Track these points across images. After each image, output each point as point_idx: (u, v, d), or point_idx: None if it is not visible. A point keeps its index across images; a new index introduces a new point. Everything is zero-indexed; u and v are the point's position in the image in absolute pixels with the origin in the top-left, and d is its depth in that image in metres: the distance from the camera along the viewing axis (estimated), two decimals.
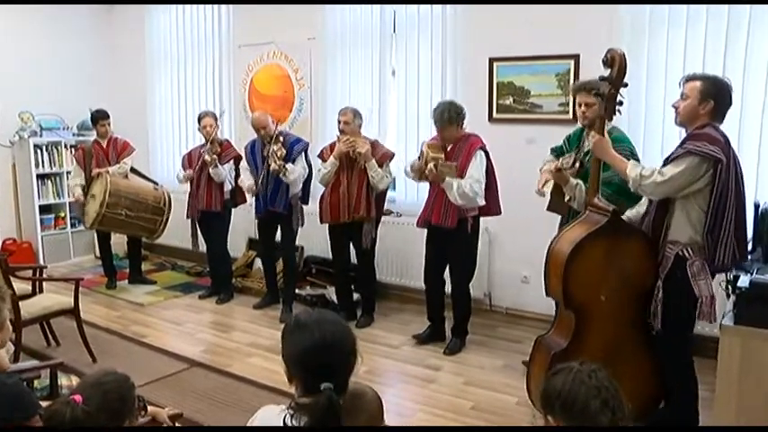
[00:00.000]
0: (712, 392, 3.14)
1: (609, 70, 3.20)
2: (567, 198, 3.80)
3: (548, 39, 4.94)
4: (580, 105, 3.83)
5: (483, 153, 4.52)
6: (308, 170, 5.48)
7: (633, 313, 3.27)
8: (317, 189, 5.52)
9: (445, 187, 4.43)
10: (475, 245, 4.73)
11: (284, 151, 5.33)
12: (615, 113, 3.27)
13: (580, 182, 3.73)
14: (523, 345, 4.74)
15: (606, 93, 3.20)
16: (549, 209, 4.07)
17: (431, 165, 4.38)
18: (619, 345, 3.24)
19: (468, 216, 4.54)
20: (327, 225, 5.29)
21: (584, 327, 3.26)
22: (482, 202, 4.53)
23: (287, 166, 5.27)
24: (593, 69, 4.37)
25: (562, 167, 3.80)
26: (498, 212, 4.70)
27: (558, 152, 4.12)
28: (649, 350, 3.30)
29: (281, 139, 5.42)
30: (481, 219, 4.73)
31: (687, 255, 3.09)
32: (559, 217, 4.08)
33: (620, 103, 3.24)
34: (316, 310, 1.80)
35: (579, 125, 4.01)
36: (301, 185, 5.51)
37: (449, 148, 4.59)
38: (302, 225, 5.62)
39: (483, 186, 4.47)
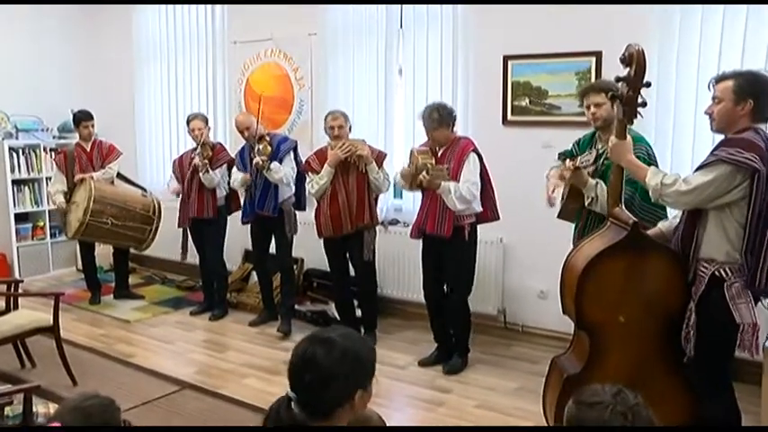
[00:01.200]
0: (758, 423, 3.05)
1: (627, 69, 3.11)
2: (587, 201, 3.75)
3: (567, 34, 4.91)
4: (589, 107, 3.83)
5: (476, 155, 4.53)
6: (296, 170, 5.49)
7: (659, 337, 3.16)
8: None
9: (442, 193, 4.43)
10: (473, 254, 4.72)
11: (270, 149, 5.37)
12: (636, 116, 3.18)
13: (600, 181, 3.69)
14: (540, 365, 4.66)
15: (625, 94, 3.10)
16: (560, 216, 4.05)
17: (423, 173, 4.40)
18: (644, 371, 3.13)
19: (464, 224, 4.54)
20: (322, 238, 5.27)
21: (601, 350, 3.18)
22: (479, 208, 4.55)
23: (272, 164, 5.30)
24: (617, 67, 4.33)
25: (582, 166, 3.73)
26: (496, 218, 4.70)
27: (566, 157, 4.07)
28: (680, 378, 3.18)
29: (268, 138, 5.47)
30: (487, 227, 4.73)
31: (724, 275, 2.95)
32: (572, 226, 4.05)
33: (642, 105, 3.16)
34: (347, 330, 1.85)
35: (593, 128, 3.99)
36: (293, 189, 5.53)
37: (440, 153, 4.59)
38: (296, 232, 5.61)
39: (479, 190, 4.48)
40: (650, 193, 3.09)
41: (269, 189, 5.44)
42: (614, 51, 4.55)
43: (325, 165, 5.08)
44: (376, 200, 5.22)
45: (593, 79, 4.73)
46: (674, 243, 3.16)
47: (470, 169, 4.47)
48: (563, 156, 4.11)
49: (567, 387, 3.16)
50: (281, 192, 5.48)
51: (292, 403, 1.71)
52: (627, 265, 3.09)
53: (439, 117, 4.49)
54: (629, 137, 3.20)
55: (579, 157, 3.86)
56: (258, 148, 5.35)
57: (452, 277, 4.71)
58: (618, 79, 3.13)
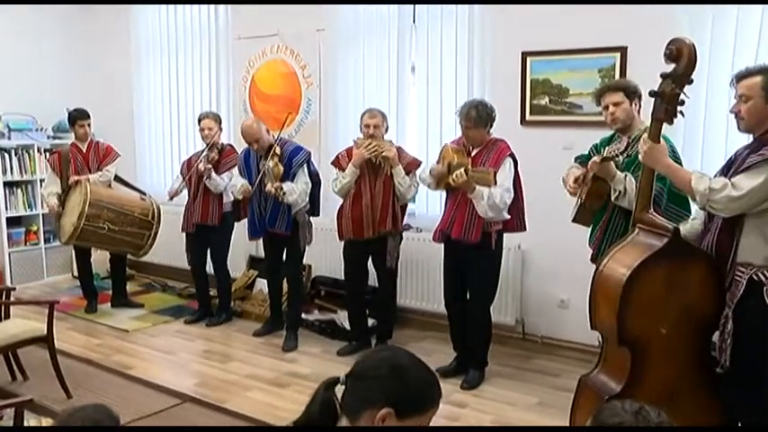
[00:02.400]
0: None
1: (674, 65, 3.08)
2: (613, 195, 3.74)
3: (589, 29, 4.90)
4: (607, 107, 3.82)
5: (512, 161, 4.52)
6: (310, 185, 5.45)
7: (696, 349, 3.14)
8: (332, 200, 5.51)
9: (474, 198, 4.40)
10: (498, 263, 4.72)
11: (281, 169, 5.27)
12: (676, 116, 3.16)
13: (629, 174, 3.68)
14: (562, 379, 4.71)
15: (668, 91, 3.07)
16: (575, 220, 4.05)
17: (459, 171, 4.34)
18: (680, 386, 3.11)
19: (492, 230, 4.53)
20: (344, 240, 5.29)
21: (643, 366, 3.12)
22: (507, 216, 4.54)
23: (284, 187, 5.19)
24: (643, 63, 4.33)
25: (611, 156, 3.71)
26: (522, 228, 4.70)
27: (583, 161, 4.08)
28: (712, 391, 3.15)
29: (278, 152, 5.33)
30: (505, 236, 4.72)
31: (764, 279, 2.95)
32: (588, 230, 4.06)
33: (682, 103, 3.13)
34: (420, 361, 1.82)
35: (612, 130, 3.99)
36: (306, 201, 5.49)
37: (473, 153, 4.58)
38: (310, 242, 5.61)
39: (511, 198, 4.47)
40: (697, 199, 3.06)
41: (280, 207, 5.37)
42: (640, 47, 4.62)
43: (350, 164, 5.08)
44: (404, 207, 5.20)
45: (617, 76, 4.72)
46: (706, 247, 3.14)
47: (506, 175, 4.45)
48: (579, 159, 4.13)
49: None
50: (294, 208, 5.42)
51: (336, 386, 1.72)
52: (667, 273, 3.06)
53: (477, 116, 4.48)
54: (662, 140, 3.19)
55: (608, 148, 3.85)
56: (268, 167, 5.25)
57: (475, 286, 4.70)
58: (664, 76, 3.10)
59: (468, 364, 4.79)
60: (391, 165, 5.00)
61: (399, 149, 5.18)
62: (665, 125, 3.16)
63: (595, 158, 3.78)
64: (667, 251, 3.06)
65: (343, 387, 1.71)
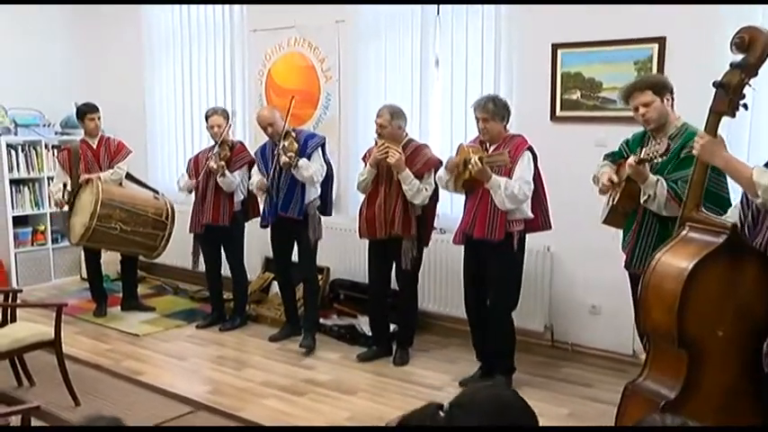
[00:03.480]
0: None
1: (743, 55, 3.00)
2: (643, 198, 3.71)
3: (625, 18, 4.83)
4: (637, 109, 3.78)
5: (531, 154, 4.51)
6: (325, 168, 5.49)
7: (749, 351, 3.10)
8: (351, 199, 5.48)
9: (491, 187, 4.39)
10: (521, 265, 4.69)
11: (296, 145, 5.38)
12: (738, 109, 3.09)
13: (661, 178, 3.66)
14: (594, 389, 4.67)
15: (735, 82, 2.99)
16: (606, 222, 4.02)
17: (474, 158, 4.35)
18: (736, 391, 3.09)
19: (515, 230, 4.51)
20: (367, 241, 5.32)
21: (699, 370, 3.09)
22: (530, 214, 4.52)
23: (300, 160, 5.31)
24: (683, 55, 4.26)
25: (648, 158, 3.64)
26: (547, 227, 4.67)
27: (614, 159, 4.05)
28: (758, 393, 3.11)
29: (293, 134, 5.47)
30: (533, 234, 4.70)
31: None
32: (620, 232, 4.02)
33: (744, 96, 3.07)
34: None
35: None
36: (319, 190, 5.54)
37: (491, 149, 4.55)
38: (320, 237, 5.62)
39: (531, 190, 4.45)
40: (759, 194, 3.00)
41: (295, 190, 5.45)
42: (681, 37, 4.55)
43: (367, 164, 5.15)
44: (425, 210, 5.19)
45: (654, 69, 4.67)
46: (758, 246, 3.09)
47: (524, 167, 4.44)
48: (610, 157, 4.09)
49: None
50: (308, 193, 5.49)
51: (440, 412, 1.70)
52: (724, 271, 3.04)
53: (494, 108, 4.48)
54: (719, 133, 3.13)
55: (645, 149, 3.78)
56: (283, 145, 5.35)
57: (497, 290, 4.67)
58: (732, 65, 3.03)
59: (495, 372, 4.76)
60: (395, 170, 4.98)
61: (421, 148, 5.16)
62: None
63: (632, 160, 3.72)
64: (726, 248, 3.03)
65: (444, 415, 1.69)
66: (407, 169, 4.98)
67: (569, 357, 5.32)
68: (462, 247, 4.80)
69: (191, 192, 6.09)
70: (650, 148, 3.77)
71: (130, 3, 7.62)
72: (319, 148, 5.51)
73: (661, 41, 4.71)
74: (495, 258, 4.55)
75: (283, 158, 5.30)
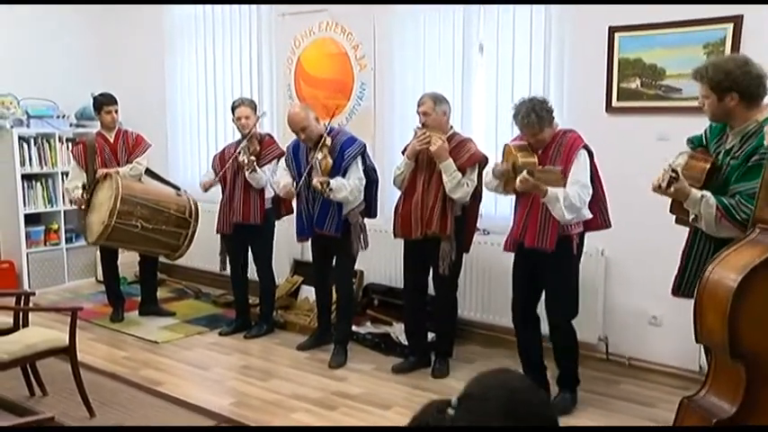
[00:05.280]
0: None
1: None
2: (691, 217, 3.58)
3: None
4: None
5: (586, 152, 4.38)
6: (364, 181, 5.40)
7: None
8: (389, 197, 5.50)
9: (548, 202, 4.26)
10: (578, 268, 4.59)
11: (330, 162, 5.26)
12: None
13: (707, 194, 3.48)
14: (656, 409, 4.58)
15: None
16: (678, 221, 3.85)
17: (523, 175, 4.21)
18: None
19: (572, 233, 4.41)
20: (403, 242, 5.25)
21: (759, 384, 3.03)
22: (588, 215, 4.41)
23: (332, 183, 5.15)
24: (763, 37, 4.09)
25: (674, 178, 3.41)
26: (606, 225, 4.56)
27: (696, 144, 3.86)
28: None
29: (329, 143, 5.32)
30: (587, 236, 4.60)
31: None
32: (686, 231, 3.86)
33: None
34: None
35: None
36: (361, 198, 5.45)
37: (541, 150, 4.45)
38: (365, 248, 5.57)
39: (590, 194, 4.34)
40: None
41: (330, 205, 5.33)
42: (760, 16, 4.39)
43: (405, 155, 5.08)
44: (465, 209, 5.11)
45: (727, 52, 4.52)
46: None
47: (580, 169, 4.31)
48: (693, 143, 3.89)
49: None
50: (346, 205, 5.38)
51: (449, 408, 1.62)
52: None
53: (537, 119, 4.31)
54: None
55: (674, 159, 3.67)
56: (316, 160, 5.23)
57: (556, 298, 4.56)
58: None
59: (557, 386, 4.68)
60: (437, 159, 4.90)
61: (465, 142, 5.08)
62: None
63: (666, 168, 3.52)
64: None
65: (453, 411, 1.61)
66: (450, 159, 4.90)
67: (626, 373, 5.23)
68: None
69: (206, 190, 6.08)
70: (716, 144, 3.62)
71: (153, 3, 7.69)
72: (359, 158, 5.36)
73: (737, 21, 4.56)
74: (551, 265, 4.45)
75: (314, 182, 5.17)
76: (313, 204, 5.40)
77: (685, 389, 4.42)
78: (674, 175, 3.40)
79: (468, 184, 4.95)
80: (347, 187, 5.23)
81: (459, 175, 4.90)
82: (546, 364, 4.75)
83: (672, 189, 3.42)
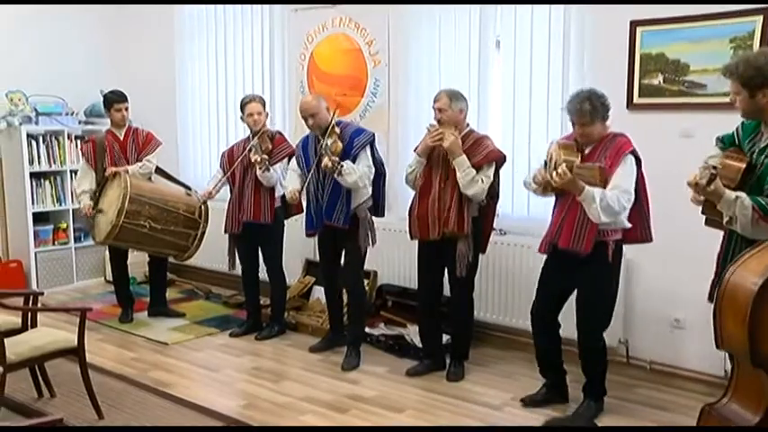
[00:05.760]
0: None
1: None
2: (725, 219, 3.51)
3: None
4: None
5: (634, 158, 4.28)
6: (373, 171, 5.40)
7: None
8: (402, 197, 5.48)
9: (584, 200, 4.18)
10: (615, 279, 4.52)
11: (340, 145, 5.28)
12: None
13: (742, 195, 3.42)
14: (678, 415, 4.53)
15: None
16: (708, 223, 3.79)
17: (562, 167, 4.16)
18: None
19: (609, 240, 4.31)
20: (418, 242, 5.22)
21: None
22: (627, 224, 4.31)
23: (344, 163, 5.19)
24: None
25: (710, 177, 3.37)
26: (647, 239, 4.46)
27: (727, 143, 3.79)
28: None
29: (337, 130, 5.35)
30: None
31: None
32: (721, 233, 3.79)
33: None
34: None
35: None
36: (369, 192, 5.44)
37: (587, 150, 4.36)
38: (372, 244, 5.54)
39: (631, 201, 4.23)
40: None
41: (339, 195, 5.33)
42: None
43: (417, 152, 5.06)
44: (482, 209, 5.07)
45: (756, 46, 4.45)
46: None
47: (625, 174, 4.20)
48: (722, 141, 3.82)
49: None
50: (355, 197, 5.38)
51: None
52: None
53: (592, 109, 4.24)
54: None
55: (708, 159, 3.61)
56: (326, 144, 5.23)
57: (587, 306, 4.47)
58: None
59: (583, 393, 4.61)
60: (450, 155, 4.87)
61: (482, 139, 5.04)
62: None
63: (690, 177, 3.47)
64: None
65: None
66: (464, 155, 4.87)
67: (647, 377, 5.18)
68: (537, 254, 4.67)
69: (211, 196, 6.07)
70: (750, 142, 3.55)
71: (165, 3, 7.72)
72: (367, 147, 5.37)
73: (766, 13, 4.50)
74: (585, 271, 4.37)
75: (325, 161, 5.18)
76: (322, 195, 5.39)
77: (710, 395, 4.37)
78: (714, 171, 3.36)
79: (482, 181, 4.90)
80: (357, 172, 5.24)
81: (474, 171, 4.86)
82: (566, 368, 4.72)
83: (712, 187, 3.36)
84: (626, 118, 5.03)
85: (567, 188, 4.20)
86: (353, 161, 5.29)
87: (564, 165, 4.12)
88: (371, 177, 5.39)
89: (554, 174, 4.18)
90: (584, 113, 4.22)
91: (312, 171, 5.38)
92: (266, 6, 7.02)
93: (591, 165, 4.19)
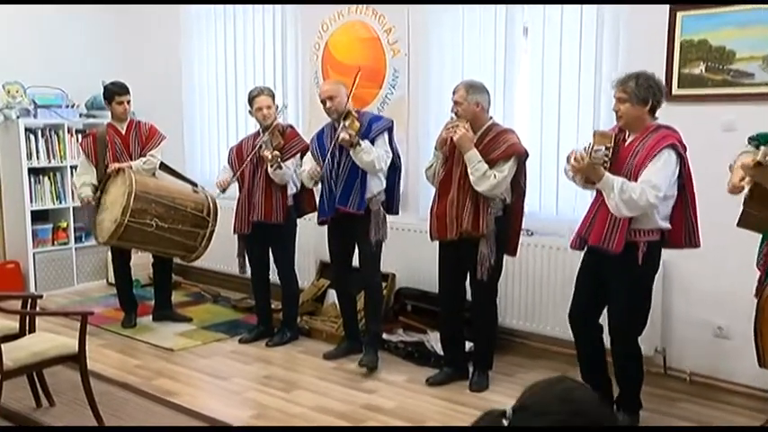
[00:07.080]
0: None
1: None
2: None
3: None
4: None
5: (674, 153, 4.15)
6: (391, 156, 5.44)
7: None
8: (419, 195, 5.49)
9: (602, 188, 4.14)
10: (648, 283, 4.42)
11: (358, 125, 5.35)
12: None
13: None
14: None
15: None
16: (740, 224, 3.78)
17: (579, 152, 4.15)
18: None
19: (640, 240, 4.20)
20: (438, 244, 5.18)
21: None
22: (666, 225, 4.20)
23: (363, 142, 5.27)
24: None
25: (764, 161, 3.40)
26: (693, 244, 4.33)
27: (762, 141, 3.77)
28: None
29: (355, 114, 5.44)
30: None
31: None
32: (759, 238, 3.78)
33: None
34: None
35: None
36: (384, 182, 5.48)
37: (629, 140, 4.27)
38: (384, 238, 5.55)
39: (661, 197, 4.10)
40: None
41: (355, 179, 5.36)
42: None
43: (434, 146, 5.11)
44: (507, 208, 4.99)
45: None
46: None
47: (656, 168, 4.09)
48: (755, 141, 3.81)
49: None
50: (370, 184, 5.40)
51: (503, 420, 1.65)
52: None
53: (634, 87, 4.16)
54: None
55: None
56: (344, 124, 5.28)
57: (618, 310, 4.39)
58: None
59: (616, 406, 4.50)
60: (461, 149, 4.85)
61: (503, 133, 4.97)
62: None
63: (746, 159, 3.39)
64: None
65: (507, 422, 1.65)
66: (474, 149, 4.84)
67: (687, 390, 5.09)
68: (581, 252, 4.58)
69: (224, 190, 6.02)
70: (736, 162, 3.49)
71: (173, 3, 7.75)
72: (385, 133, 5.45)
73: None
74: (615, 272, 4.29)
75: (343, 134, 5.23)
76: (336, 181, 5.44)
77: (758, 410, 4.26)
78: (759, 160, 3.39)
79: (495, 176, 4.84)
80: (374, 151, 5.31)
81: (485, 166, 4.82)
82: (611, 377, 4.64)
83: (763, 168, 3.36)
84: (665, 110, 4.87)
85: (586, 174, 4.16)
86: (372, 143, 5.37)
87: (582, 149, 4.11)
88: (388, 162, 5.43)
89: (572, 159, 4.15)
90: (625, 88, 4.17)
91: (327, 156, 5.43)
92: None
93: (605, 131, 4.19)
